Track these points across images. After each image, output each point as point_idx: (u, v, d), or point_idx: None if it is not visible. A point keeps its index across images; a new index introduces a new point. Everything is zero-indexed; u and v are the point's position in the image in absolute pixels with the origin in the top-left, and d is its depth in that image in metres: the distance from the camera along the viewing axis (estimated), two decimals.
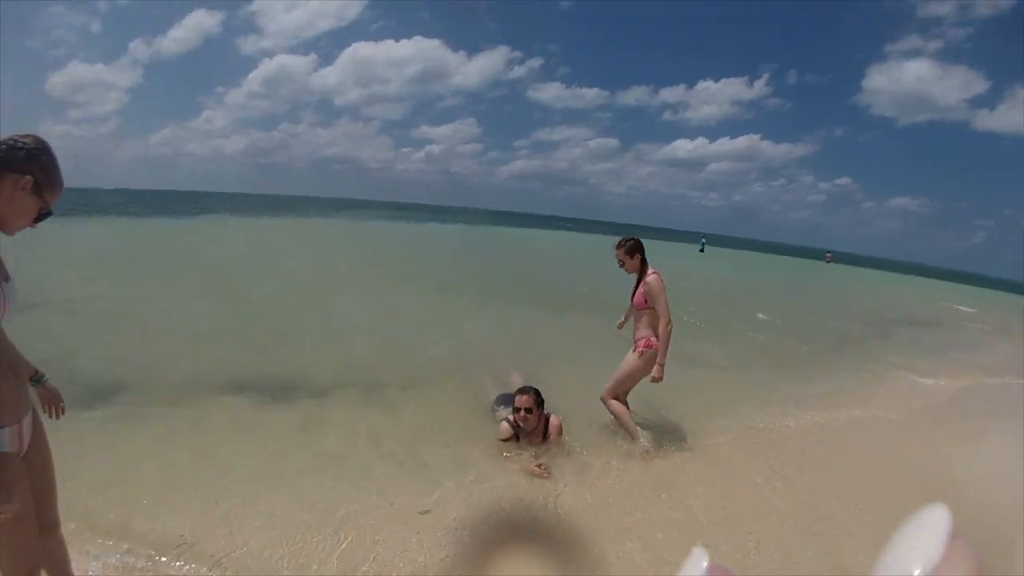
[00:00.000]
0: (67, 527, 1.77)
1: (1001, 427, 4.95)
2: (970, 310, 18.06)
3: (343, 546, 2.49)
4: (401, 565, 2.40)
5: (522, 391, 3.56)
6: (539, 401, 3.56)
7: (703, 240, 40.68)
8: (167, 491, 2.83)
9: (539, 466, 3.33)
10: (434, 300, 9.14)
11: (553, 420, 3.65)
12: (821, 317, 11.89)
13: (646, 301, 3.76)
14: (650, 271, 3.80)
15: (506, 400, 3.92)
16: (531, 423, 3.53)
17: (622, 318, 4.22)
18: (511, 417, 3.61)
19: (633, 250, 3.81)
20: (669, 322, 3.69)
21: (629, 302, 3.93)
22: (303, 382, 4.56)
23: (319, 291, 9.15)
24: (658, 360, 3.70)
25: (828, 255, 50.07)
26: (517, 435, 3.59)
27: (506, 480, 3.22)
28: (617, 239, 3.90)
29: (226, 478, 3.01)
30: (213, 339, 5.85)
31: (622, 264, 3.86)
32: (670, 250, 34.78)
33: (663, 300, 3.70)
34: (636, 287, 3.82)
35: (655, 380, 3.72)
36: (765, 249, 69.94)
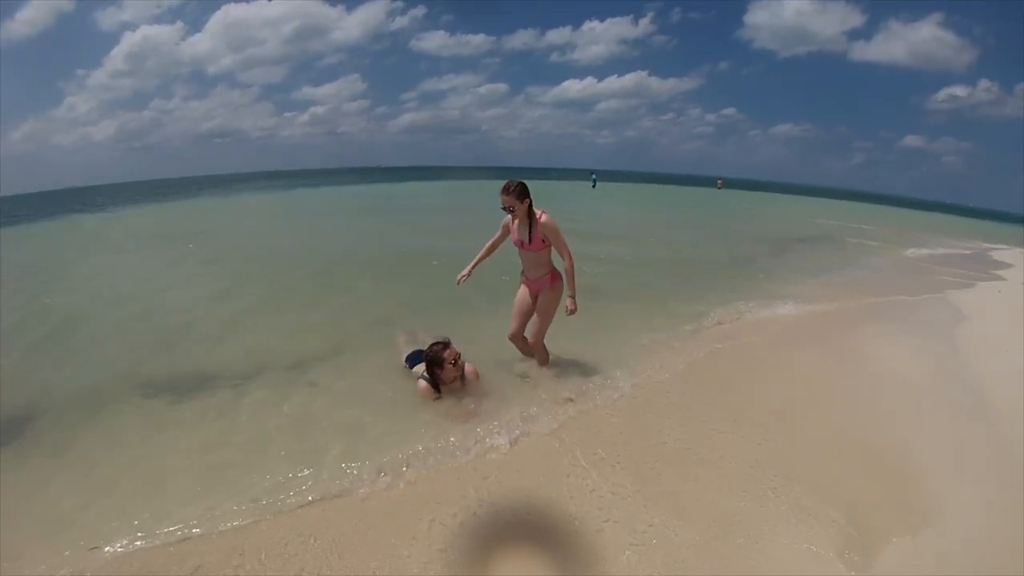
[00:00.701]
0: None
1: (887, 332, 5.43)
2: (867, 227, 19.19)
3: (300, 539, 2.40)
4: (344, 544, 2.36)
5: (443, 345, 3.55)
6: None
7: (594, 176, 41.55)
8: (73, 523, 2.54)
9: (466, 411, 3.45)
10: (305, 272, 8.41)
11: (468, 367, 3.71)
12: (719, 244, 12.42)
13: (543, 241, 3.80)
14: (540, 212, 3.81)
15: (416, 356, 3.89)
16: (456, 373, 3.56)
17: (466, 270, 4.03)
18: (426, 374, 3.61)
19: (523, 194, 3.76)
20: (571, 256, 3.80)
21: (520, 248, 3.92)
22: (207, 377, 4.22)
23: (173, 283, 7.98)
24: (569, 294, 3.86)
25: (719, 182, 53.29)
26: (437, 388, 3.61)
27: (440, 435, 3.19)
28: (503, 183, 3.80)
29: (144, 491, 2.78)
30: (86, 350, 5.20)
31: (511, 209, 3.78)
32: (563, 189, 35.24)
33: (562, 237, 3.79)
34: (530, 231, 3.80)
35: (571, 312, 3.86)
36: (659, 181, 71.96)
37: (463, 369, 3.64)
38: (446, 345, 3.53)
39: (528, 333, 4.06)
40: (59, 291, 7.43)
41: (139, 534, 2.40)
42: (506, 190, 3.73)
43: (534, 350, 4.07)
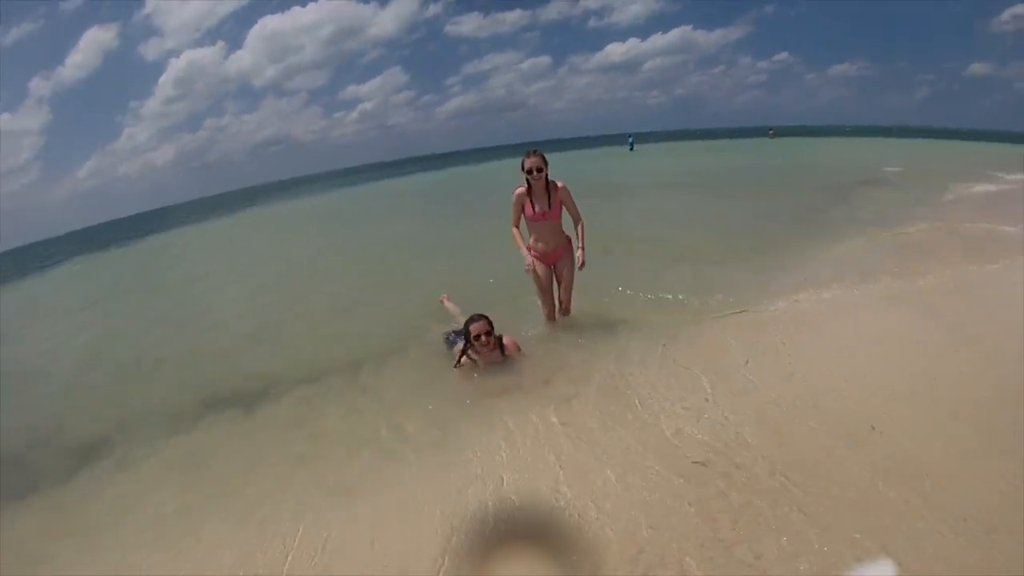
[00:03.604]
0: None
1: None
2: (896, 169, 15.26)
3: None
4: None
5: (472, 319, 3.54)
6: (491, 324, 3.56)
7: (631, 139, 40.65)
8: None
9: (501, 387, 3.40)
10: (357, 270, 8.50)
11: (506, 339, 3.65)
12: (787, 194, 11.23)
13: (562, 207, 3.97)
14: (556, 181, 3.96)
15: (458, 334, 3.80)
16: (489, 346, 3.53)
17: (528, 256, 4.01)
18: (463, 349, 3.60)
19: (545, 160, 3.88)
20: (582, 218, 4.03)
21: (540, 220, 3.94)
22: (270, 383, 4.19)
23: (251, 292, 8.16)
24: (580, 245, 4.00)
25: (771, 131, 51.64)
26: (476, 363, 3.62)
27: (488, 413, 3.13)
28: (528, 151, 3.90)
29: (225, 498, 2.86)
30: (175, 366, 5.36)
31: (539, 171, 3.81)
32: (595, 156, 34.02)
33: (574, 201, 4.00)
34: (549, 199, 3.90)
35: (581, 266, 4.02)
36: (712, 137, 64.90)
37: (502, 343, 3.59)
38: (474, 319, 3.51)
39: (558, 298, 4.20)
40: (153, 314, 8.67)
41: None
42: (532, 154, 3.82)
43: (565, 309, 4.20)
